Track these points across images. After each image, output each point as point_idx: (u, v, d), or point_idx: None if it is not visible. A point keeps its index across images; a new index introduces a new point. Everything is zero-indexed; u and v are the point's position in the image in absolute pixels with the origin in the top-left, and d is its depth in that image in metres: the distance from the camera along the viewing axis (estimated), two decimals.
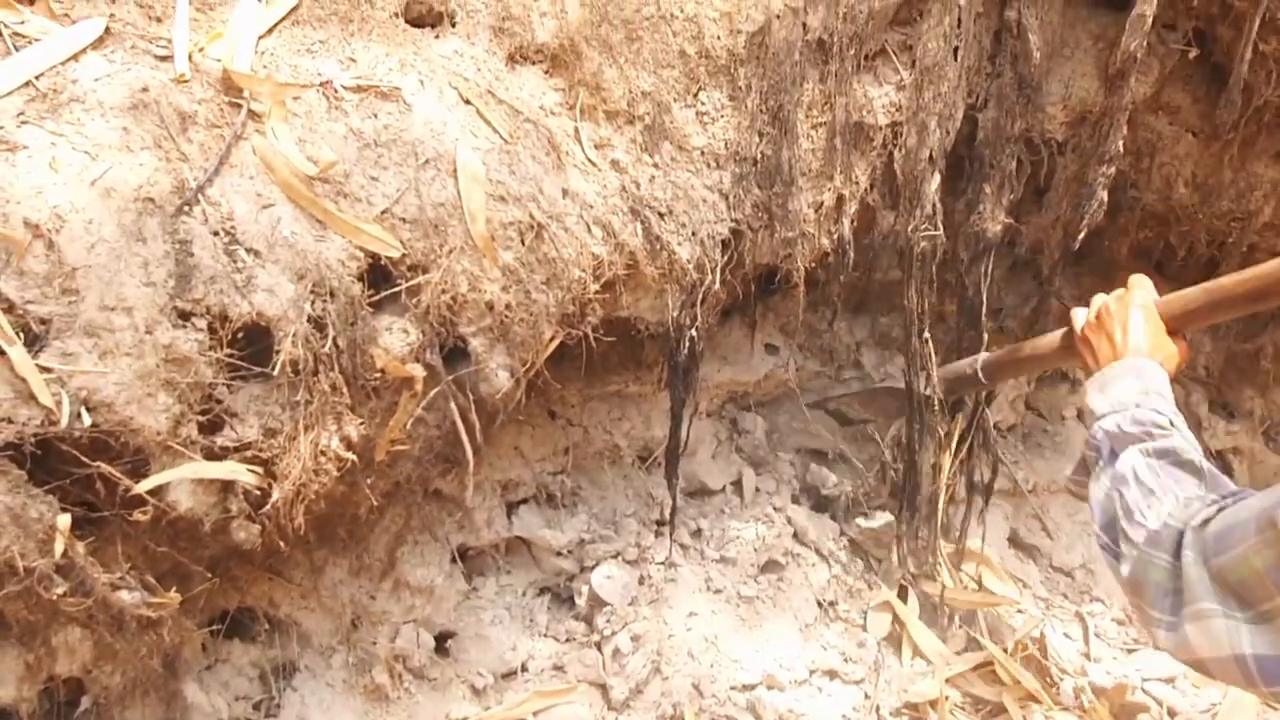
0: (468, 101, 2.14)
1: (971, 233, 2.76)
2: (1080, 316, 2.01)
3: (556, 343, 2.29)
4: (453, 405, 2.14)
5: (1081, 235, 2.81)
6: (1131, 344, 1.83)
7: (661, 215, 2.38)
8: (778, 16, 2.39)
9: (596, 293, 2.29)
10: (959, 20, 2.50)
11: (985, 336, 2.91)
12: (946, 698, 2.76)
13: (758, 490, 3.08)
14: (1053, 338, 2.30)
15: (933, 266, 2.71)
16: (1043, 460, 3.31)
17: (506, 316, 2.13)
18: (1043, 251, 3.04)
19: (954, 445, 3.05)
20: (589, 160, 2.31)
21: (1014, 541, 3.26)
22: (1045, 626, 3.01)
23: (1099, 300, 1.98)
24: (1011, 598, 3.04)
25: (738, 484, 3.07)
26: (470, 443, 2.20)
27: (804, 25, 2.42)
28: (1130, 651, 3.09)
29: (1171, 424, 1.59)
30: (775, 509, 3.03)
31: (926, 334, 2.78)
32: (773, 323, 3.03)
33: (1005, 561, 3.19)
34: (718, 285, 2.49)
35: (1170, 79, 2.75)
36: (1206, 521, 1.30)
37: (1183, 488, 1.46)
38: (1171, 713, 2.85)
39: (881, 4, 2.46)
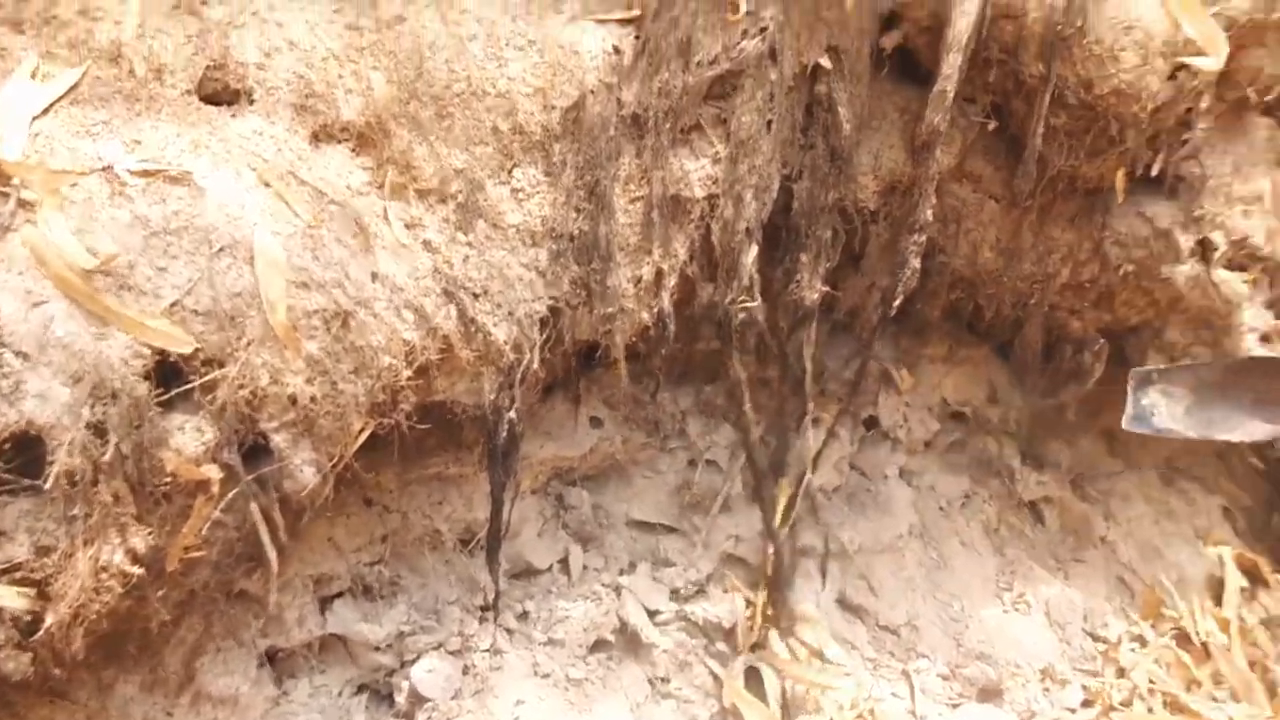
0: (267, 184, 2.03)
1: (790, 301, 2.79)
2: None
3: (367, 434, 2.19)
4: (253, 506, 2.02)
5: (898, 302, 2.87)
6: None
7: (476, 296, 2.30)
8: (592, 92, 2.36)
9: (409, 379, 2.19)
10: (771, 95, 2.52)
11: (810, 404, 2.96)
12: None
13: (585, 567, 3.00)
14: None
15: (751, 337, 2.72)
16: (866, 520, 3.35)
17: (311, 410, 2.01)
18: (860, 315, 3.09)
19: (781, 509, 3.07)
20: (399, 241, 2.21)
21: (841, 603, 3.28)
22: (873, 689, 3.03)
23: None
24: (841, 663, 3.05)
25: (565, 562, 2.98)
26: (274, 544, 2.07)
27: (619, 100, 2.39)
28: (955, 706, 3.12)
29: None
30: (604, 585, 2.96)
31: None
32: (596, 395, 2.98)
33: (833, 623, 3.21)
34: (537, 364, 2.42)
35: (972, 150, 2.84)
36: None
37: None
38: None
39: (695, 79, 2.45)
